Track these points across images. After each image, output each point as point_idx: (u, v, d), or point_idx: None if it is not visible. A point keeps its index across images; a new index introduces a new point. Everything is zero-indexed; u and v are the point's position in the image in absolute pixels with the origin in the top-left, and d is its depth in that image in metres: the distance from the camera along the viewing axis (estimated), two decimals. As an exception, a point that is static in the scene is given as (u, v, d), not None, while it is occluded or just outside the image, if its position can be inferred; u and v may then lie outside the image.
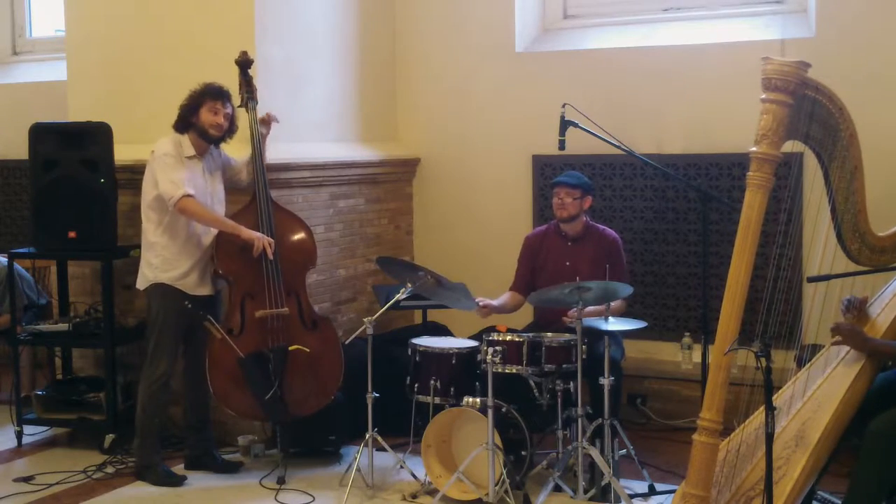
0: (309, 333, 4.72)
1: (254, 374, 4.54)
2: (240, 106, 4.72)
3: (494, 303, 4.78)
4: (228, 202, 4.78)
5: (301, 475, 4.64)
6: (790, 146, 3.53)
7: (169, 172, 4.47)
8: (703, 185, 5.29)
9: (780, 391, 3.78)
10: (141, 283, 4.66)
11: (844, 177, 3.51)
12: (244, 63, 4.74)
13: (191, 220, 4.55)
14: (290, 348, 4.61)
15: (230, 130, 4.65)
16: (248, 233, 4.53)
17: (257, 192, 4.67)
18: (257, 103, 4.74)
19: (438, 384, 4.44)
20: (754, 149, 3.40)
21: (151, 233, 4.58)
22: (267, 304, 4.61)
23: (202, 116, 4.55)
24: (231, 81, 4.72)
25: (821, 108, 3.43)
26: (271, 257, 4.56)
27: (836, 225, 3.57)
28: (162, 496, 4.45)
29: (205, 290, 4.66)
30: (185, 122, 4.58)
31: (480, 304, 4.67)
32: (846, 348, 3.68)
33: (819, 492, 3.94)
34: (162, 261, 4.55)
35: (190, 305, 4.54)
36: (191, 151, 4.57)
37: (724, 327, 3.41)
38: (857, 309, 3.78)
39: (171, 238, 4.55)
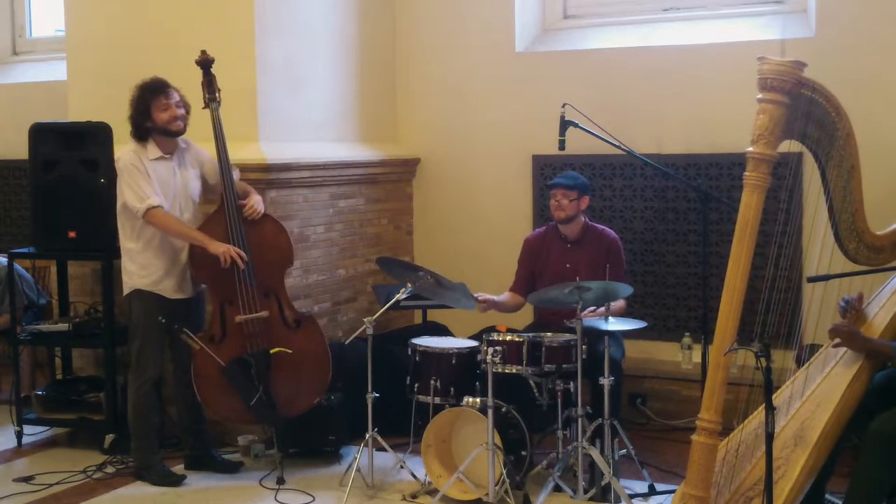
0: (292, 333, 4.67)
1: (238, 380, 4.50)
2: (204, 108, 4.65)
3: (495, 298, 4.79)
4: (200, 204, 4.75)
5: (301, 475, 4.64)
6: (790, 146, 3.52)
7: (133, 185, 4.44)
8: (703, 185, 5.28)
9: (778, 391, 3.77)
10: (125, 290, 4.63)
11: (841, 176, 3.50)
12: (205, 62, 4.64)
13: None
14: (272, 351, 4.55)
15: (188, 112, 4.60)
16: (214, 246, 4.45)
17: (224, 196, 4.59)
18: (219, 104, 4.64)
19: (438, 384, 4.44)
20: (751, 149, 3.39)
21: (126, 239, 4.57)
22: (244, 309, 4.57)
23: (156, 118, 4.50)
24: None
25: (817, 107, 3.42)
26: (243, 267, 4.49)
27: (834, 224, 3.57)
28: (162, 496, 4.45)
29: (183, 294, 4.63)
30: (142, 129, 4.53)
31: (480, 298, 4.66)
32: (844, 347, 3.68)
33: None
34: (138, 266, 4.54)
35: (164, 320, 4.52)
36: (156, 153, 4.52)
37: (722, 327, 3.41)
38: (855, 309, 3.78)
39: (145, 244, 4.53)
